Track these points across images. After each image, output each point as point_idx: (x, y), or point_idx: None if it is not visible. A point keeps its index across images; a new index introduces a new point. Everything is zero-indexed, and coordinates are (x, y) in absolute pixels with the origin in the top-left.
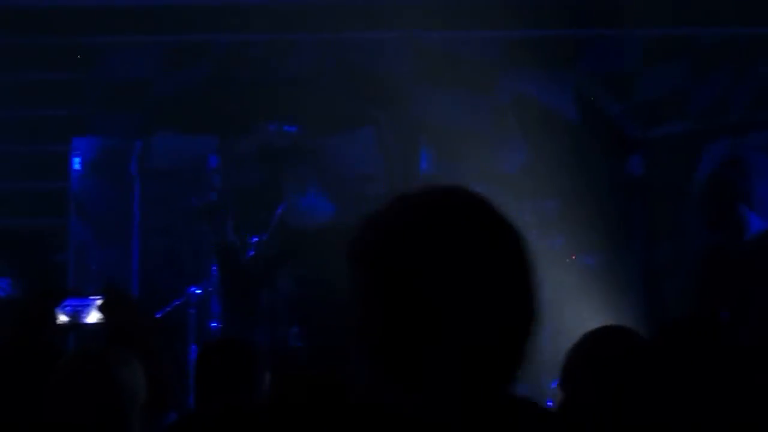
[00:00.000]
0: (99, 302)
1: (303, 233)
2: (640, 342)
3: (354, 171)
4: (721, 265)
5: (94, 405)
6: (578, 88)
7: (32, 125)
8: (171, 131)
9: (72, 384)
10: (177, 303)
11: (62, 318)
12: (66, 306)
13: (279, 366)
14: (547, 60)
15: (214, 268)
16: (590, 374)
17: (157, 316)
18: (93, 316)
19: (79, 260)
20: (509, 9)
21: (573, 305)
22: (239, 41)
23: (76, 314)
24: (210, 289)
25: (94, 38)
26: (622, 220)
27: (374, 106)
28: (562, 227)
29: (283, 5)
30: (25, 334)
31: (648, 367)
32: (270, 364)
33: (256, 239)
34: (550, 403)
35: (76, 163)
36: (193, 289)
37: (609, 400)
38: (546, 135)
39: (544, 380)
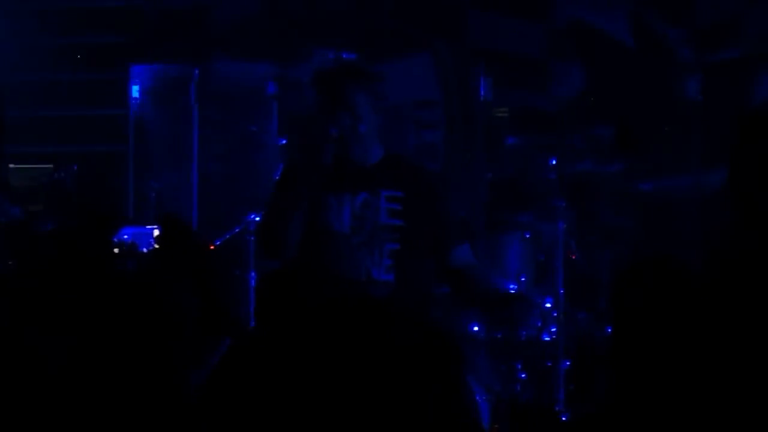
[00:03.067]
0: (156, 233)
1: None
2: (691, 276)
3: (412, 97)
4: None
5: (140, 327)
6: (635, 12)
7: (91, 53)
8: (229, 58)
9: (121, 306)
10: (236, 230)
11: (120, 246)
12: (124, 234)
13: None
14: None
15: None
16: (636, 308)
17: (217, 243)
18: (150, 246)
19: (138, 187)
20: None
21: (630, 232)
22: None
23: (134, 243)
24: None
25: None
26: (679, 145)
27: (432, 32)
28: (619, 153)
29: None
30: (82, 262)
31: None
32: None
33: None
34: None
35: (135, 91)
36: (252, 216)
37: (660, 332)
38: (602, 60)
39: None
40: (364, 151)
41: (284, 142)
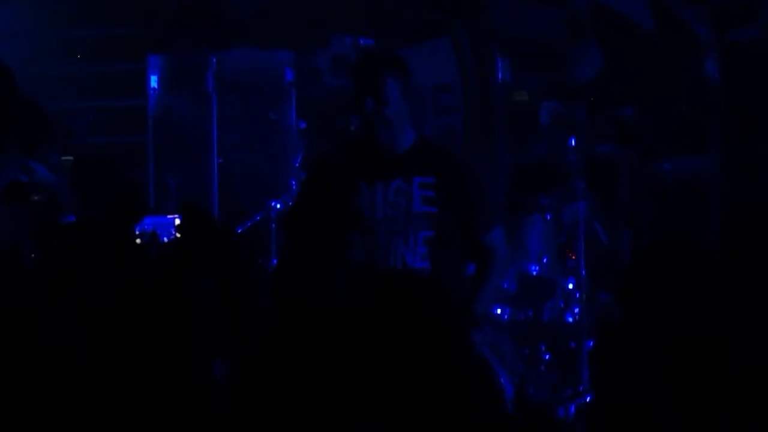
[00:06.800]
0: (177, 221)
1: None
2: (703, 258)
3: (430, 82)
4: None
5: (162, 317)
6: None
7: (108, 43)
8: (246, 46)
9: (144, 296)
10: (258, 218)
11: (141, 236)
12: (145, 224)
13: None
14: None
15: (293, 181)
16: (651, 292)
17: (238, 230)
18: (172, 235)
19: (158, 178)
20: None
21: (649, 212)
22: None
23: (155, 233)
24: (290, 202)
25: None
26: (698, 125)
27: (450, 16)
28: (639, 134)
29: None
30: (104, 251)
31: (712, 286)
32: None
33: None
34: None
35: (153, 81)
36: (273, 203)
37: (671, 318)
38: (622, 42)
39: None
40: (394, 136)
41: (303, 126)
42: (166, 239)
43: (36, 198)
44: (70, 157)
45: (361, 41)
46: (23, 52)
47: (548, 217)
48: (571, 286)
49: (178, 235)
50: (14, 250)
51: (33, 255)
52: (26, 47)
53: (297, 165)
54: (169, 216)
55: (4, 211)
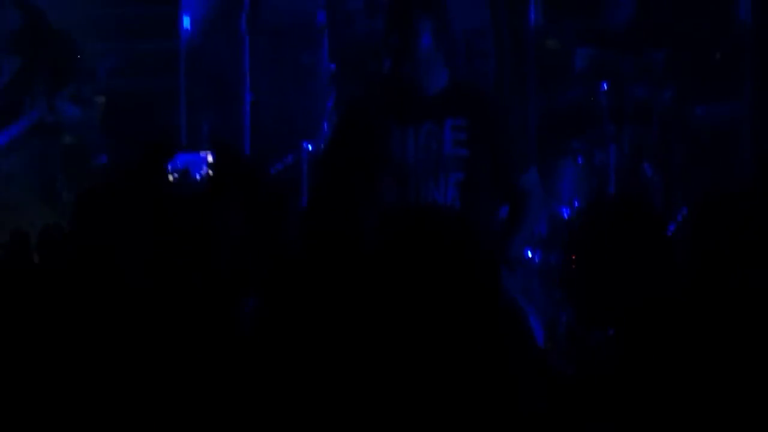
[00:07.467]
0: (210, 157)
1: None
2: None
3: (461, 25)
4: None
5: (190, 252)
6: None
7: None
8: None
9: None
10: (289, 159)
11: (173, 172)
12: (177, 161)
13: None
14: None
15: (325, 124)
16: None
17: (270, 172)
18: (204, 171)
19: (191, 120)
20: None
21: (679, 155)
22: None
23: (187, 169)
24: (321, 145)
25: None
26: (733, 69)
27: None
28: (671, 78)
29: None
30: (137, 185)
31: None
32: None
33: None
34: None
35: (186, 22)
36: (305, 144)
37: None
38: None
39: None
40: (426, 76)
41: (334, 67)
42: (198, 176)
43: (67, 139)
44: (103, 98)
45: None
46: None
47: (580, 161)
48: None
49: (211, 171)
50: (46, 190)
51: (64, 194)
52: None
53: (329, 107)
54: (201, 153)
55: (33, 151)
